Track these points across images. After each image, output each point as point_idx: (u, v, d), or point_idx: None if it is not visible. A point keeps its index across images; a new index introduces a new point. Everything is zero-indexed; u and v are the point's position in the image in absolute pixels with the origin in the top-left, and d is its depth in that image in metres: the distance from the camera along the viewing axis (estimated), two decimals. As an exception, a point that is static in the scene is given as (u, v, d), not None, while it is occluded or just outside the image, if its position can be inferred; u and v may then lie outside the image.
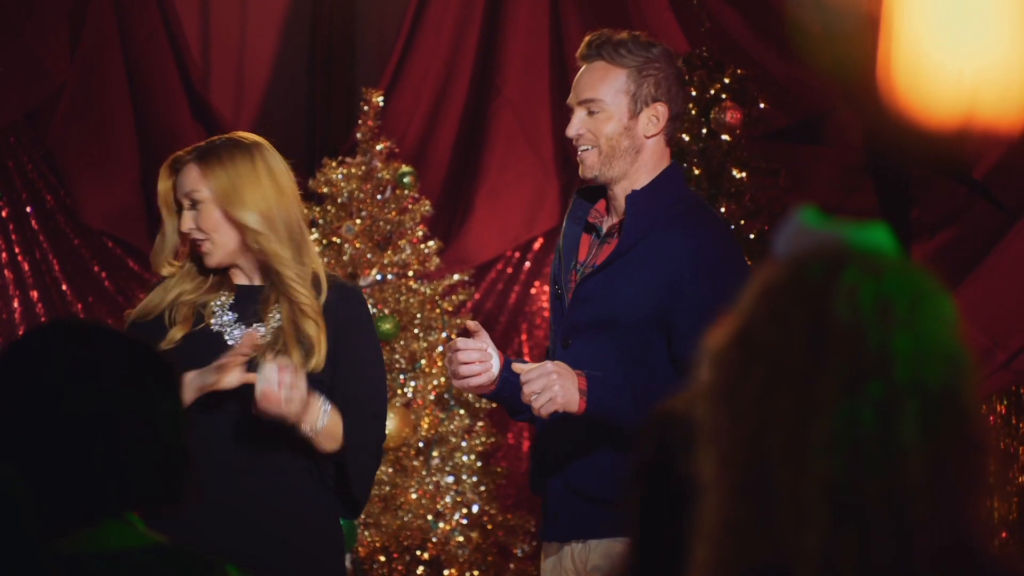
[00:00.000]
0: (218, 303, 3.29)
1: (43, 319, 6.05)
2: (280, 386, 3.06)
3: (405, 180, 5.81)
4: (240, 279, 3.30)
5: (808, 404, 1.31)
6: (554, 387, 3.09)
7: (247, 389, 3.12)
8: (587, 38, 3.37)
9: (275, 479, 3.22)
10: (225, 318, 3.28)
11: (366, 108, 5.87)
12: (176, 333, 3.26)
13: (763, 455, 1.33)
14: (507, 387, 3.23)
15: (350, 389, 3.24)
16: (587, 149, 3.30)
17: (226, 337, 3.25)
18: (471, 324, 3.25)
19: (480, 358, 3.21)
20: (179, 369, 2.06)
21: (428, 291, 5.77)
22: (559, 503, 3.29)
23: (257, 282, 3.29)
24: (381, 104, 5.92)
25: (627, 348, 3.22)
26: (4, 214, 6.17)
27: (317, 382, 3.18)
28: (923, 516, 1.30)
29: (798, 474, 1.30)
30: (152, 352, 2.02)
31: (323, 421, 3.16)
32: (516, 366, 3.18)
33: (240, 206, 3.21)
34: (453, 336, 5.75)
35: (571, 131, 3.31)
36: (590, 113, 3.30)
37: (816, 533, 1.29)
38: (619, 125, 3.30)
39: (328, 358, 3.21)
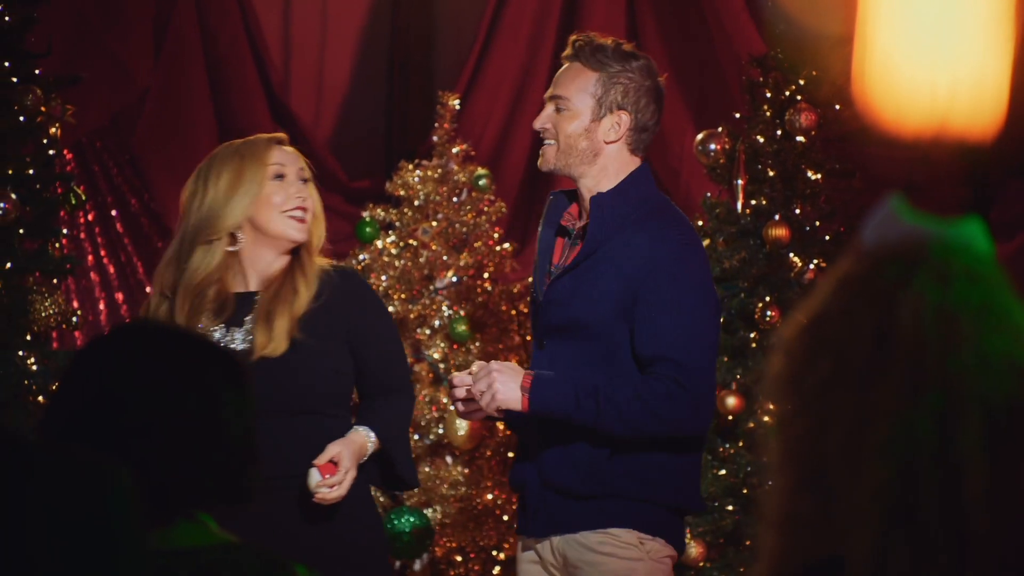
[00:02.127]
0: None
1: (128, 321, 6.12)
2: (333, 487, 3.26)
3: (481, 182, 5.84)
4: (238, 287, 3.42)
5: (867, 407, 1.29)
6: (495, 385, 3.27)
7: (282, 394, 3.28)
8: (571, 38, 3.50)
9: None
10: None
11: (443, 111, 5.91)
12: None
13: (823, 450, 1.31)
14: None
15: (377, 373, 3.44)
16: (549, 143, 3.44)
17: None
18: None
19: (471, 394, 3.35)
20: (248, 368, 2.07)
21: (503, 293, 5.79)
22: (536, 498, 3.40)
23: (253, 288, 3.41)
24: (458, 107, 5.95)
25: (595, 347, 3.33)
26: (91, 217, 6.26)
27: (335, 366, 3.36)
28: (983, 527, 1.27)
29: (852, 475, 1.29)
30: (219, 351, 2.03)
31: (371, 448, 3.38)
32: (469, 369, 3.36)
33: None
34: (528, 338, 5.77)
35: (537, 124, 3.46)
36: (557, 109, 3.43)
37: (867, 535, 1.28)
38: (580, 126, 3.41)
39: (347, 342, 3.37)
